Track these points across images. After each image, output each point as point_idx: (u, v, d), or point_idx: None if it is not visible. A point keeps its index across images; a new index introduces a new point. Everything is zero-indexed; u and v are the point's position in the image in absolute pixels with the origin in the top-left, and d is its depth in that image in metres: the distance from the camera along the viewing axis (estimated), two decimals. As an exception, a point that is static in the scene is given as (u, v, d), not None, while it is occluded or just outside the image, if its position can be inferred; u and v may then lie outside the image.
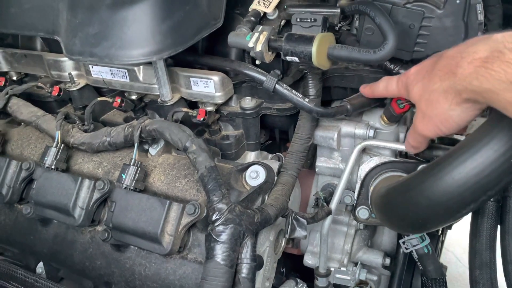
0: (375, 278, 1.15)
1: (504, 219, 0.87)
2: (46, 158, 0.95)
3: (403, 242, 1.00)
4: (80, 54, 0.84)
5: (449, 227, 1.67)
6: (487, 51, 0.57)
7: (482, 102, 0.61)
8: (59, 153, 0.96)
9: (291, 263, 1.25)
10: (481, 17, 0.83)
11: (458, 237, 2.10)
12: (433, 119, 0.70)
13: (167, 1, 0.82)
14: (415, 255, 1.00)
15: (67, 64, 1.08)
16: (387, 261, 1.10)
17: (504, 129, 0.60)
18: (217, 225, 0.75)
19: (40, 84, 1.12)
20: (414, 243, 0.98)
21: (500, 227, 0.88)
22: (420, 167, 0.88)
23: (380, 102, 0.97)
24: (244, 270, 0.76)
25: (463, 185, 0.62)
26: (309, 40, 0.81)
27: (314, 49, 0.80)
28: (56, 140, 0.96)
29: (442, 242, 1.70)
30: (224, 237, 0.74)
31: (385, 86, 0.85)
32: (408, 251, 1.00)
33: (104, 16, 0.81)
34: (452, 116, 0.66)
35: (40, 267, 1.04)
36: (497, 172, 0.60)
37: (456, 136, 1.01)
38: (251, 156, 1.08)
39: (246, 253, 0.77)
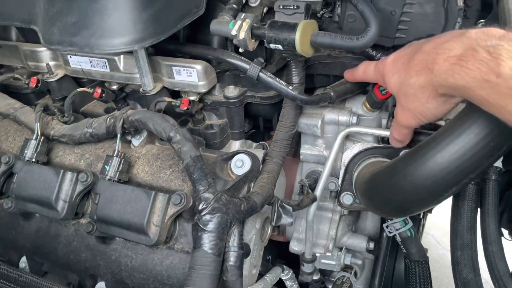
0: (359, 262, 1.17)
1: (484, 201, 0.90)
2: (26, 151, 0.93)
3: (387, 226, 1.02)
4: (59, 44, 0.82)
5: (430, 211, 1.71)
6: (462, 49, 0.58)
7: (458, 96, 0.63)
8: (39, 145, 0.94)
9: (277, 250, 1.26)
10: (460, 3, 0.84)
11: (438, 220, 2.16)
12: (412, 111, 0.72)
13: (148, -11, 0.81)
14: (398, 238, 1.02)
15: (45, 54, 1.05)
16: (371, 245, 1.12)
17: (484, 113, 0.61)
18: (204, 215, 0.75)
19: (16, 76, 1.09)
20: (397, 226, 1.00)
21: (480, 209, 0.91)
22: (402, 152, 0.90)
23: (362, 89, 0.98)
24: (232, 258, 0.77)
25: (445, 169, 0.64)
26: (293, 27, 0.81)
27: (297, 36, 0.80)
28: (35, 132, 0.94)
29: (423, 225, 1.74)
30: (211, 226, 0.74)
31: (364, 71, 0.87)
32: (391, 234, 1.02)
33: (83, 4, 0.79)
34: (429, 108, 0.69)
35: (23, 262, 1.02)
36: (478, 155, 0.62)
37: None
38: (235, 145, 1.08)
39: (233, 242, 0.77)
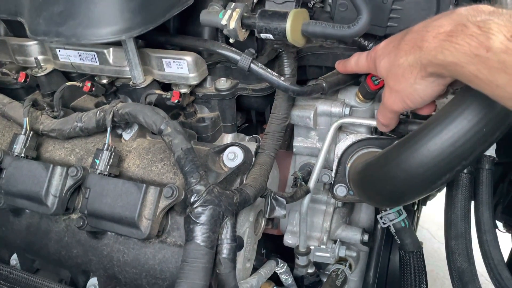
0: (354, 254, 1.17)
1: (477, 191, 0.90)
2: (14, 146, 0.91)
3: (381, 217, 1.01)
4: (45, 34, 0.81)
5: (424, 204, 1.72)
6: (451, 25, 0.57)
7: (447, 75, 0.62)
8: (28, 140, 0.92)
9: (271, 244, 1.25)
10: (452, -10, 0.84)
11: (432, 214, 2.17)
12: (399, 94, 0.70)
13: (135, -22, 0.79)
14: (392, 229, 1.02)
15: (33, 48, 1.03)
16: (366, 237, 1.12)
17: (477, 99, 0.60)
18: (196, 207, 0.74)
19: (5, 71, 1.07)
20: (391, 217, 1.00)
21: (474, 198, 0.91)
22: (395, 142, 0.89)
23: (355, 80, 0.97)
24: (225, 250, 0.76)
25: (438, 156, 0.63)
26: (283, 16, 0.80)
27: (288, 25, 0.80)
28: (24, 127, 0.93)
29: (418, 218, 1.74)
30: (203, 218, 0.73)
31: (356, 61, 0.85)
32: (385, 225, 1.01)
33: (69, -7, 0.78)
34: (417, 90, 0.67)
35: (14, 259, 1.00)
36: (471, 141, 0.61)
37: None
38: (228, 138, 1.07)
39: (226, 234, 0.76)
